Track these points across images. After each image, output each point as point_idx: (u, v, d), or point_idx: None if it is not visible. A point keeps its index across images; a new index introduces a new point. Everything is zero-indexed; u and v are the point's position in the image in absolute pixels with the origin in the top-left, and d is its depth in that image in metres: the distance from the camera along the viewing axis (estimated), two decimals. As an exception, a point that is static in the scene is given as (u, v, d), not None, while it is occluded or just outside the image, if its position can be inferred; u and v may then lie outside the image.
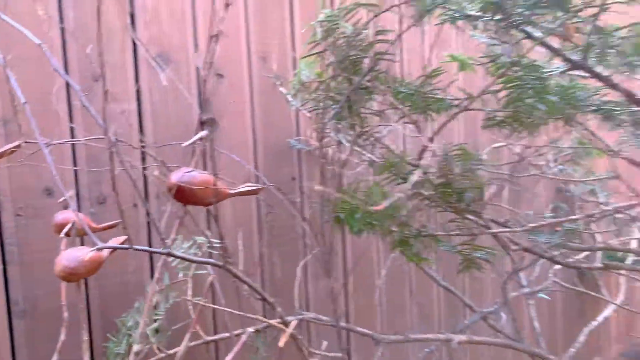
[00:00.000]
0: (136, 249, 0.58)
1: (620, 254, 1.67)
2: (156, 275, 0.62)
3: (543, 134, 1.36)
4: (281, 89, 1.01)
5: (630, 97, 0.64)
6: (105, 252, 0.62)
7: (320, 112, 0.76)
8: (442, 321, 1.57)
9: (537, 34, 0.65)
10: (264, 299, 0.67)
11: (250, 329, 0.58)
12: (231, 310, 0.71)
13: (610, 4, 0.59)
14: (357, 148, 0.94)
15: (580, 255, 1.54)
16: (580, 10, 0.57)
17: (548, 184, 1.80)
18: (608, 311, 1.48)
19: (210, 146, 0.61)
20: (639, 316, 2.15)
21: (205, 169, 1.10)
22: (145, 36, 1.03)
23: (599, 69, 0.69)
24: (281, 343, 0.61)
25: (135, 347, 0.58)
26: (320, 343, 1.09)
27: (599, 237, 1.66)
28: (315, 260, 1.25)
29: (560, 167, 1.56)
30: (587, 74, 0.66)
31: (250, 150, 1.18)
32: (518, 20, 0.60)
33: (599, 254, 1.67)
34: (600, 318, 1.46)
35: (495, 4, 0.60)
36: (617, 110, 0.71)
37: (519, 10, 0.59)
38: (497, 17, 0.61)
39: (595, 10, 0.62)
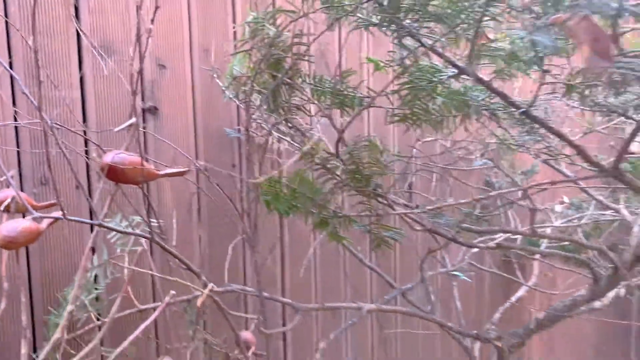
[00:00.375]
0: (69, 219, 0.66)
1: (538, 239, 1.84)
2: (89, 244, 0.69)
3: (471, 129, 1.50)
4: (218, 81, 1.09)
5: (504, 98, 0.76)
6: (44, 224, 0.69)
7: (248, 104, 0.85)
8: (373, 300, 1.70)
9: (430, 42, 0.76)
10: (189, 268, 0.76)
11: (173, 292, 0.66)
12: (160, 275, 0.79)
13: (485, 21, 0.70)
14: (286, 138, 1.04)
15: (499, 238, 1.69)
16: (458, 25, 0.68)
17: (478, 176, 1.95)
18: (521, 292, 1.64)
19: (138, 131, 0.68)
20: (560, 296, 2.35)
21: (146, 152, 1.17)
22: (89, 27, 1.09)
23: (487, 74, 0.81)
24: (199, 303, 0.70)
25: (69, 307, 0.65)
26: (256, 317, 1.19)
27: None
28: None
29: (485, 160, 1.71)
30: (471, 78, 0.78)
31: (191, 138, 1.26)
32: (408, 30, 0.70)
33: (520, 238, 1.83)
34: (513, 298, 1.62)
35: (389, 16, 0.70)
36: (500, 110, 0.83)
37: (407, 22, 0.70)
38: (392, 27, 0.71)
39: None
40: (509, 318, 1.93)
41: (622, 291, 1.40)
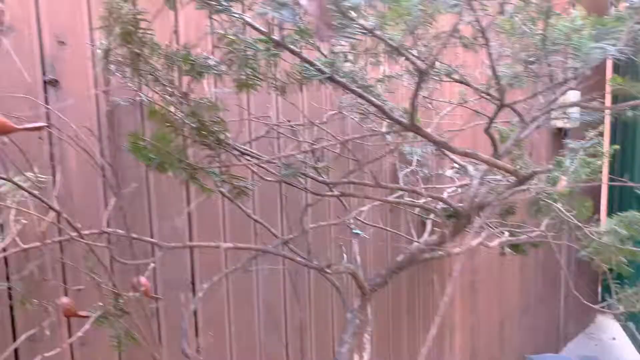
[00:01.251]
0: None
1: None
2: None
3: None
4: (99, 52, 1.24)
5: (311, 65, 0.93)
6: None
7: (106, 73, 1.00)
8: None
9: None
10: (57, 213, 0.92)
11: (42, 229, 0.82)
12: (42, 217, 0.95)
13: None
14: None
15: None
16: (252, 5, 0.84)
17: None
18: (412, 247, 1.82)
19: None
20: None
21: (49, 122, 1.33)
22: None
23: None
24: (42, 228, 0.85)
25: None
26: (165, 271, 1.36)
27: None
28: (161, 204, 1.51)
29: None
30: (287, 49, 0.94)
31: (93, 107, 1.41)
32: (218, 8, 0.86)
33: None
34: (406, 252, 1.81)
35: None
36: (317, 76, 0.99)
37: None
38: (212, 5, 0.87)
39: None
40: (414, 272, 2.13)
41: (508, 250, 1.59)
